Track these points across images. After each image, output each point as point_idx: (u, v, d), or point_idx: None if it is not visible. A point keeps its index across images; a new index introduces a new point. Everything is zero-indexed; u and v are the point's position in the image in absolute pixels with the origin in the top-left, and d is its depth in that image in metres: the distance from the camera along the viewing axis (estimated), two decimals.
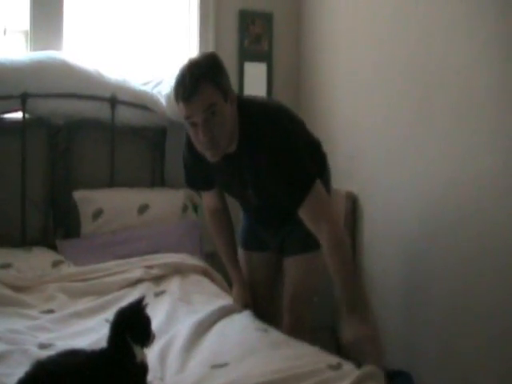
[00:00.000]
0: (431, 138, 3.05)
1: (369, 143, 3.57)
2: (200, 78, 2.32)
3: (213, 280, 3.21)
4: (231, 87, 2.47)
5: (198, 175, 2.78)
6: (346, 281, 2.47)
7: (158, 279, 3.14)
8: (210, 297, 2.93)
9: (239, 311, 2.75)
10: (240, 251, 2.98)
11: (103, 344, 2.07)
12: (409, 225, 3.21)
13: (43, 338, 2.50)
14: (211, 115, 2.35)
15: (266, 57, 4.32)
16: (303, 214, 2.50)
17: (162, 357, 2.28)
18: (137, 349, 1.90)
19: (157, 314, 2.66)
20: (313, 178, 2.48)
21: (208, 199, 2.90)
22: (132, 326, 1.91)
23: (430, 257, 3.05)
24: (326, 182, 2.80)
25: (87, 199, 3.57)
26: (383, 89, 3.43)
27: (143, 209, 3.58)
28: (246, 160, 2.51)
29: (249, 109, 2.52)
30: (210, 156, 2.48)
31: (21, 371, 2.12)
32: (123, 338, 1.90)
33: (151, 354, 2.27)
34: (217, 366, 2.19)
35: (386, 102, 3.41)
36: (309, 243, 2.75)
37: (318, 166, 2.73)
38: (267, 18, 4.29)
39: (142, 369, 1.92)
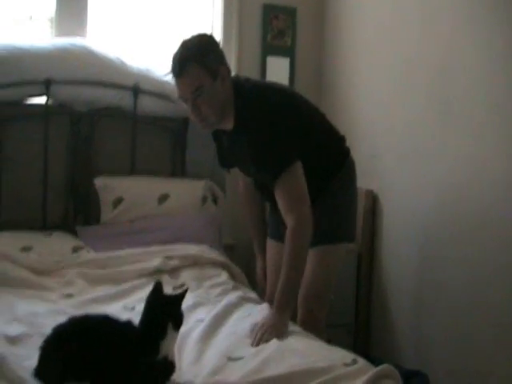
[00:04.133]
0: (451, 139, 3.06)
1: (389, 142, 3.58)
2: (187, 59, 2.50)
3: (231, 273, 3.21)
4: (224, 66, 2.59)
5: (222, 154, 2.88)
6: (287, 277, 2.49)
7: (176, 270, 3.15)
8: (227, 290, 2.93)
9: (256, 303, 2.78)
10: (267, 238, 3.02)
11: None
12: (427, 224, 3.21)
13: (65, 312, 2.52)
14: (198, 96, 2.50)
15: (288, 52, 4.32)
16: (276, 196, 2.57)
17: (179, 348, 2.28)
18: (170, 329, 1.96)
19: None
20: (288, 161, 2.53)
21: (240, 178, 3.02)
22: (169, 306, 1.99)
23: (447, 256, 3.05)
24: (348, 178, 2.85)
25: (108, 187, 3.59)
26: (406, 89, 3.43)
27: (163, 198, 3.59)
28: (240, 138, 2.61)
29: (244, 88, 2.62)
30: (202, 128, 2.64)
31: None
32: (159, 315, 1.95)
33: None
34: (232, 359, 2.21)
35: (408, 102, 3.41)
36: (325, 236, 2.78)
37: (337, 161, 2.80)
38: (291, 13, 4.29)
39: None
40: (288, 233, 2.51)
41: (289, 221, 2.52)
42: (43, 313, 2.61)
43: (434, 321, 3.14)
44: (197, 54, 2.50)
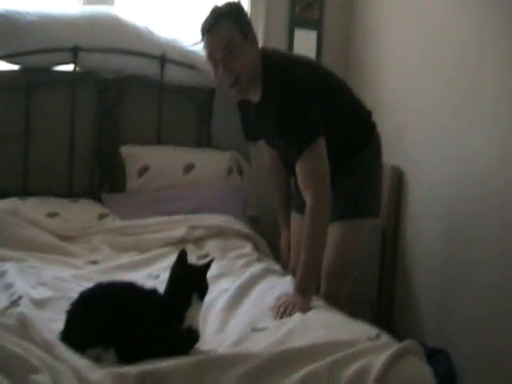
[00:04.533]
0: (481, 115, 3.02)
1: (417, 117, 3.54)
2: (221, 14, 2.53)
3: (256, 245, 3.21)
4: (253, 31, 2.61)
5: (248, 126, 2.89)
6: (306, 258, 2.50)
7: (200, 240, 3.16)
8: (252, 261, 2.93)
9: (281, 275, 2.78)
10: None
11: None
12: (454, 202, 3.18)
13: (90, 278, 2.57)
14: (229, 53, 2.51)
15: (316, 25, 4.27)
16: (298, 169, 2.57)
17: (203, 316, 2.29)
18: (195, 299, 1.98)
19: None
20: (312, 136, 2.52)
21: (265, 151, 3.02)
22: (194, 276, 2.02)
23: (473, 234, 3.03)
24: (373, 153, 2.84)
25: (134, 155, 3.60)
26: (435, 63, 3.38)
27: (189, 168, 3.59)
28: (267, 110, 2.61)
29: (271, 60, 2.61)
30: (232, 95, 2.62)
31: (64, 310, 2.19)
32: (184, 285, 1.98)
33: None
34: (256, 330, 2.22)
35: (436, 78, 3.37)
36: (349, 210, 2.78)
37: (363, 135, 2.80)
38: None
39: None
40: (306, 211, 2.52)
41: (307, 198, 2.53)
42: (69, 278, 2.65)
43: (459, 300, 3.11)
44: (229, 12, 2.55)
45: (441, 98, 3.34)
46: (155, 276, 2.74)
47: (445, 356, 3.05)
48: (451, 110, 3.24)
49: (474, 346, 2.99)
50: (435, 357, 2.97)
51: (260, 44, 3.70)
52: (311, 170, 2.54)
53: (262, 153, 3.12)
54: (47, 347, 1.92)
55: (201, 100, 3.86)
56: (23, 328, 2.04)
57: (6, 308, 2.22)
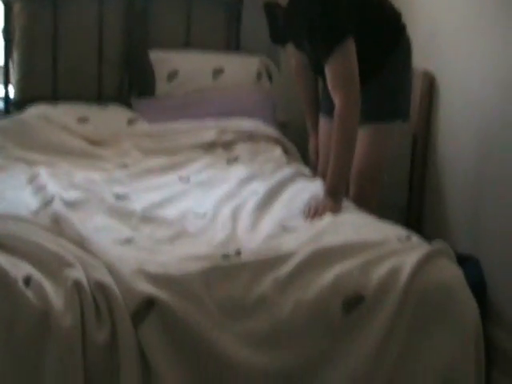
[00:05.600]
0: None
1: (450, 20, 3.43)
2: None
3: (285, 149, 3.20)
4: None
5: (275, 29, 2.85)
6: (336, 160, 2.50)
7: (230, 144, 3.15)
8: (281, 165, 2.93)
9: (311, 179, 2.79)
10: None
11: (176, 199, 2.14)
12: (487, 107, 3.12)
13: (118, 189, 2.59)
14: None
15: None
16: (327, 72, 2.54)
17: (234, 217, 2.32)
18: None
19: (230, 180, 2.72)
20: (341, 36, 2.48)
21: (292, 55, 2.99)
22: None
23: (505, 142, 2.98)
24: (403, 56, 2.80)
25: (163, 60, 3.56)
26: None
27: (218, 72, 3.55)
28: (295, 11, 2.57)
29: None
30: None
31: (97, 217, 2.23)
32: None
33: (223, 214, 2.35)
34: (287, 229, 2.24)
35: None
36: (378, 113, 2.77)
37: (393, 38, 2.75)
38: None
39: None
40: (335, 114, 2.51)
41: (336, 101, 2.51)
42: (99, 181, 2.67)
43: (491, 207, 3.07)
44: None
45: (476, 5, 3.22)
46: (185, 179, 2.76)
47: (475, 263, 3.05)
48: (487, 12, 3.14)
49: (505, 254, 2.98)
50: (465, 263, 2.96)
51: None
52: (340, 71, 2.52)
53: (289, 57, 3.07)
54: (81, 243, 1.96)
55: (230, 2, 3.79)
56: (57, 225, 2.09)
57: (40, 208, 2.27)
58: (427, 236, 3.25)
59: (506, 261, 2.95)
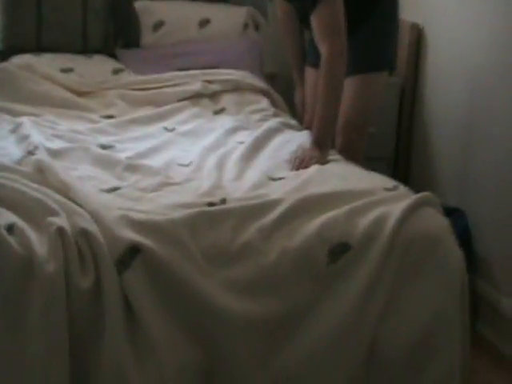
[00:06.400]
0: None
1: None
2: None
3: (272, 100, 3.18)
4: None
5: None
6: (322, 110, 2.50)
7: (216, 94, 3.13)
8: (268, 116, 2.91)
9: (297, 130, 2.77)
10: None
11: (162, 149, 2.12)
12: (475, 59, 3.09)
13: (103, 139, 2.57)
14: None
15: None
16: (313, 22, 2.53)
17: (220, 165, 2.32)
18: None
19: (216, 130, 2.71)
20: None
21: (278, 7, 2.97)
22: None
23: (494, 94, 2.96)
24: (389, 7, 2.79)
25: (148, 10, 3.52)
26: None
27: (204, 23, 3.51)
28: None
29: None
30: None
31: (82, 167, 2.21)
32: None
33: (209, 163, 2.33)
34: (273, 178, 2.23)
35: None
36: (365, 63, 2.76)
37: None
38: None
39: None
40: (322, 65, 2.50)
41: (323, 50, 2.50)
42: (84, 131, 2.65)
43: (478, 160, 3.06)
44: None
45: None
46: (171, 129, 2.74)
47: (460, 214, 3.06)
48: None
49: (492, 206, 2.98)
50: (451, 214, 2.97)
51: None
52: (326, 22, 2.50)
53: (276, 8, 3.04)
54: (65, 191, 1.94)
55: None
56: (41, 174, 2.07)
57: (23, 157, 2.24)
58: (414, 188, 3.28)
59: (492, 213, 2.96)
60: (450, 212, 2.98)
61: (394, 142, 3.67)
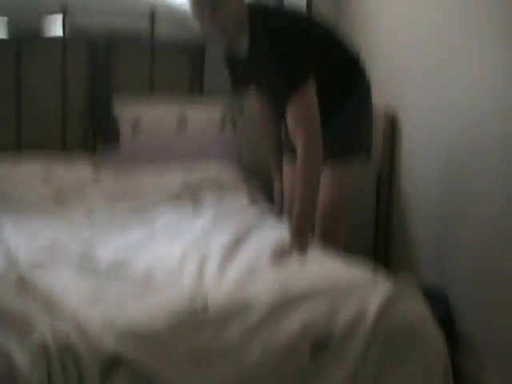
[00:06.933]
0: (475, 55, 2.97)
1: (409, 57, 3.48)
2: None
3: (251, 193, 3.24)
4: None
5: (236, 79, 2.94)
6: (301, 202, 2.53)
7: (195, 190, 3.19)
8: (247, 209, 2.97)
9: (276, 221, 2.82)
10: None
11: (143, 251, 2.13)
12: (449, 141, 3.15)
13: (84, 243, 2.62)
14: (215, 6, 2.50)
15: None
16: (288, 114, 2.59)
17: (201, 265, 2.34)
18: None
19: (195, 228, 2.74)
20: (301, 76, 2.54)
21: (254, 102, 3.05)
22: None
23: (469, 175, 3.00)
24: (362, 96, 2.86)
25: (126, 111, 3.60)
26: (426, 2, 3.34)
27: (182, 121, 3.59)
28: (255, 58, 2.63)
29: (257, 11, 2.64)
30: (220, 44, 2.72)
31: (63, 276, 2.23)
32: None
33: (190, 264, 2.36)
34: (254, 273, 2.25)
35: (430, 14, 3.31)
36: (339, 152, 2.80)
37: (351, 79, 2.82)
38: None
39: None
40: (298, 155, 2.54)
41: (298, 142, 2.55)
42: (65, 236, 2.68)
43: (457, 242, 3.09)
44: None
45: (433, 35, 3.27)
46: (151, 229, 2.80)
47: (442, 295, 3.07)
48: (444, 48, 3.20)
49: (472, 285, 3.00)
50: (432, 296, 2.99)
51: None
52: (301, 112, 2.56)
53: (252, 102, 3.12)
54: (47, 304, 1.95)
55: (192, 53, 3.87)
56: (23, 287, 2.07)
57: (5, 271, 2.23)
58: (395, 270, 3.30)
59: (473, 292, 2.97)
60: (431, 293, 3.01)
61: (374, 227, 3.70)
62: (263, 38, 2.57)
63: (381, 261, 3.56)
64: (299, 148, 2.54)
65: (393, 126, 3.60)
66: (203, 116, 3.66)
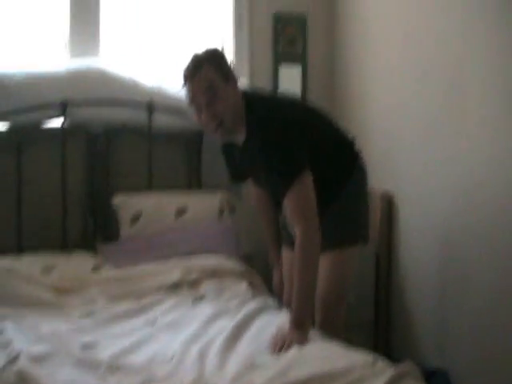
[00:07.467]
0: (468, 137, 3.02)
1: (404, 143, 3.56)
2: (201, 60, 2.61)
3: (251, 282, 3.23)
4: (233, 74, 2.67)
5: (234, 167, 2.96)
6: (300, 290, 2.52)
7: (195, 282, 3.17)
8: (247, 299, 2.95)
9: (276, 311, 2.80)
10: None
11: (144, 344, 2.11)
12: (447, 222, 3.19)
13: (85, 338, 2.58)
14: (212, 97, 2.57)
15: (300, 59, 4.35)
16: (286, 205, 2.61)
17: (202, 357, 2.33)
18: None
19: (195, 320, 2.73)
20: (297, 170, 2.57)
21: (252, 190, 3.09)
22: None
23: (468, 254, 3.02)
24: (359, 183, 2.87)
25: (126, 203, 3.64)
26: (420, 91, 3.40)
27: (181, 212, 3.63)
28: (252, 147, 2.66)
29: (253, 101, 2.69)
30: (218, 135, 2.69)
31: (64, 371, 2.21)
32: None
33: (191, 355, 2.35)
34: (255, 366, 2.23)
35: (423, 104, 3.38)
36: (337, 240, 2.81)
37: (348, 166, 2.84)
38: (301, 21, 4.32)
39: None
40: (296, 245, 2.55)
41: (297, 231, 2.56)
42: (66, 331, 2.66)
43: (456, 320, 3.11)
44: (209, 58, 2.62)
45: (427, 119, 3.35)
46: (152, 322, 2.78)
47: (442, 376, 3.05)
48: (437, 134, 3.25)
49: (472, 365, 2.99)
50: (434, 377, 2.97)
51: (246, 81, 3.81)
52: (298, 204, 2.58)
53: (250, 192, 3.17)
54: None
55: (190, 143, 3.92)
56: (22, 380, 2.07)
57: (5, 366, 2.23)
58: (396, 353, 3.29)
59: (473, 372, 2.97)
60: (432, 374, 3.00)
61: (373, 308, 3.71)
62: (259, 131, 2.61)
63: (381, 340, 3.56)
64: (298, 237, 2.55)
65: (389, 206, 3.65)
66: (202, 207, 3.69)
